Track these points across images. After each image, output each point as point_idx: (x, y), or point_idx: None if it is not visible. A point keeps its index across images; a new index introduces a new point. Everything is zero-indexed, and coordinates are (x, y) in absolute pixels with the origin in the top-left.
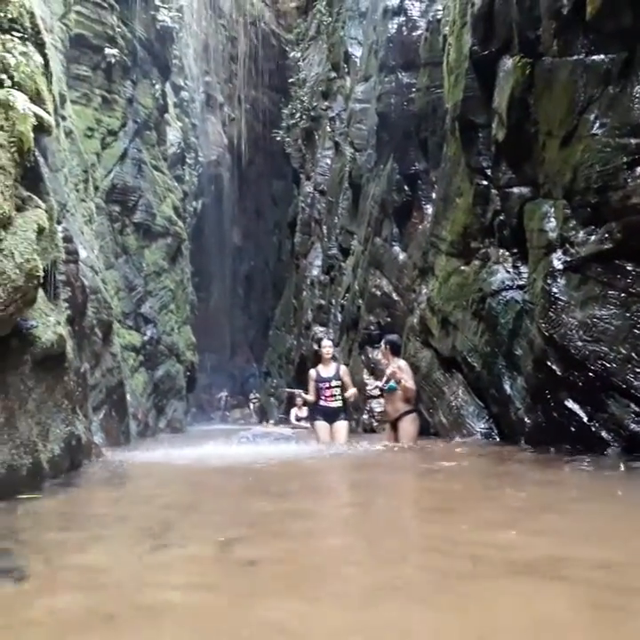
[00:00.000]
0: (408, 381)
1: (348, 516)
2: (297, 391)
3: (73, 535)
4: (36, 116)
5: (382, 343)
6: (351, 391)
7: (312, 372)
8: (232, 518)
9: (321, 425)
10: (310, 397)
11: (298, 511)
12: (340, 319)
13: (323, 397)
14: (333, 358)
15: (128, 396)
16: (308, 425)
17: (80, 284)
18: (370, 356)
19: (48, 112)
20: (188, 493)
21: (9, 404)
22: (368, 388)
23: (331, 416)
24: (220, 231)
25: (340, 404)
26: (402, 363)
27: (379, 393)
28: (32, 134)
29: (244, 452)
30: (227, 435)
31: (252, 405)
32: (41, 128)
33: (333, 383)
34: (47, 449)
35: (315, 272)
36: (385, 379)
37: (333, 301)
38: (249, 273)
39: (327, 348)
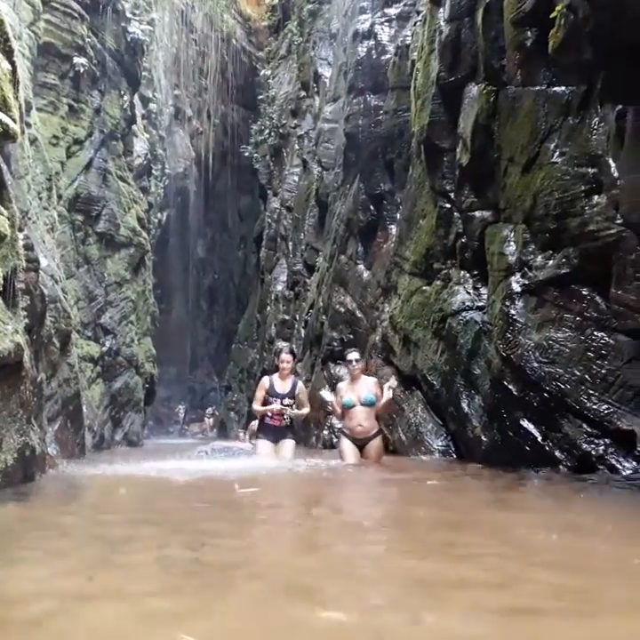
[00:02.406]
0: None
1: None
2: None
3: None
4: (1, 123)
5: (356, 357)
6: (303, 411)
7: (265, 381)
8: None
9: (263, 445)
10: (258, 407)
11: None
12: (303, 335)
13: (270, 414)
14: (294, 373)
15: (84, 408)
16: None
17: (39, 293)
18: (332, 371)
19: (14, 119)
20: (142, 512)
21: None
22: (328, 405)
23: (276, 435)
24: (184, 243)
25: (289, 423)
26: (375, 379)
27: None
28: None
29: (204, 468)
30: (185, 449)
31: (207, 420)
32: (6, 135)
33: (286, 402)
34: (0, 459)
35: (279, 287)
36: (358, 392)
37: (297, 317)
38: (213, 286)
39: (285, 362)
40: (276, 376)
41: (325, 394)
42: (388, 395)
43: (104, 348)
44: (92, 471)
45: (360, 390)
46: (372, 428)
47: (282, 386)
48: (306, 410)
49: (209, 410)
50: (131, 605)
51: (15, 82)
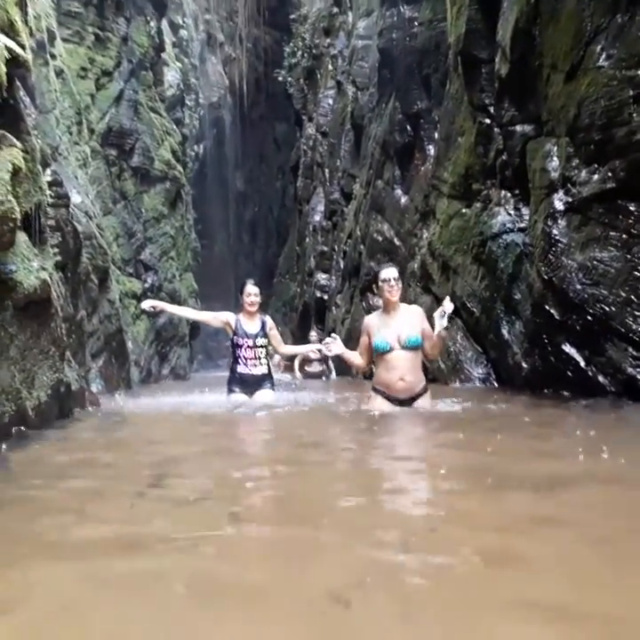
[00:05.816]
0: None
1: None
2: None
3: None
4: (8, 49)
5: (394, 275)
6: (300, 348)
7: (230, 316)
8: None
9: (237, 399)
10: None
11: None
12: (342, 266)
13: (242, 361)
14: (260, 311)
15: (129, 343)
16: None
17: (71, 229)
18: (371, 302)
19: (22, 45)
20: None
21: None
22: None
23: (252, 386)
24: (222, 176)
25: (266, 371)
26: (420, 309)
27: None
28: (4, 69)
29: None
30: None
31: None
32: (16, 62)
33: (259, 342)
34: (32, 396)
35: (317, 218)
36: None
37: (336, 248)
38: (253, 219)
39: (252, 295)
40: (241, 315)
41: (314, 334)
42: (440, 323)
43: (146, 285)
44: (135, 406)
45: (400, 327)
46: (418, 382)
47: (250, 325)
48: (295, 348)
49: None
50: None
51: (23, 4)
